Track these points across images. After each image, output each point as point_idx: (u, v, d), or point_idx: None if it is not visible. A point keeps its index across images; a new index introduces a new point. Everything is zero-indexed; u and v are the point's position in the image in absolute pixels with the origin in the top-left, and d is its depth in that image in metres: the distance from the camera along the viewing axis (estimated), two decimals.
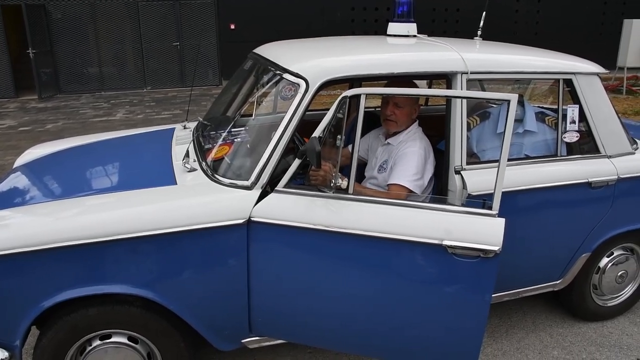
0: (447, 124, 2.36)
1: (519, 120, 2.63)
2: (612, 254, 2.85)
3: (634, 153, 2.69)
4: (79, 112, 8.26)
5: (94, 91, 9.92)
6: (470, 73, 2.33)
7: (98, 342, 2.15)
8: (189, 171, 2.33)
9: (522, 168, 2.47)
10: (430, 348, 2.08)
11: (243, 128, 2.51)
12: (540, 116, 2.65)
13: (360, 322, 2.11)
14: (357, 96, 2.01)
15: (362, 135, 2.19)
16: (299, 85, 2.16)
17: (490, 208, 1.94)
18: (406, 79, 2.45)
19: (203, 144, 2.59)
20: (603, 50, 10.09)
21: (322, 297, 2.12)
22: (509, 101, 1.88)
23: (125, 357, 2.18)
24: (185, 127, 3.16)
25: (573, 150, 2.60)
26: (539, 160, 2.52)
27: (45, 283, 1.98)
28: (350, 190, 2.05)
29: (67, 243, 1.92)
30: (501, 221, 1.91)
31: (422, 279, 1.98)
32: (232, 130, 2.64)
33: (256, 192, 2.12)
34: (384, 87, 2.53)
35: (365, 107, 2.02)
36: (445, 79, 2.37)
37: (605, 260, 2.84)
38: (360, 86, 3.14)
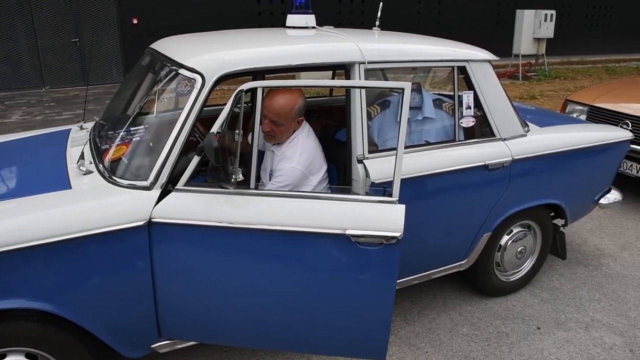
0: (347, 114, 2.38)
1: (417, 108, 2.71)
2: (512, 231, 3.02)
3: (525, 135, 2.85)
4: None
5: None
6: (368, 63, 2.37)
7: None
8: (84, 174, 2.18)
9: (422, 154, 2.54)
10: (341, 336, 2.10)
11: (141, 126, 2.39)
12: (438, 103, 2.74)
13: (271, 317, 2.09)
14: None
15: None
16: (195, 80, 2.09)
17: (390, 195, 1.97)
18: (304, 71, 2.43)
19: (100, 145, 2.45)
20: (500, 39, 10.74)
21: (231, 295, 2.07)
22: (403, 89, 1.92)
23: None
24: (82, 128, 2.96)
25: (470, 134, 2.72)
26: (439, 146, 2.61)
27: None
28: (252, 184, 2.01)
29: None
30: (401, 207, 1.96)
31: (329, 269, 1.98)
32: (130, 129, 2.50)
33: (156, 192, 2.02)
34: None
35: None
36: (344, 69, 2.39)
37: (505, 238, 3.01)
38: (263, 79, 3.10)
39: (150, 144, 2.25)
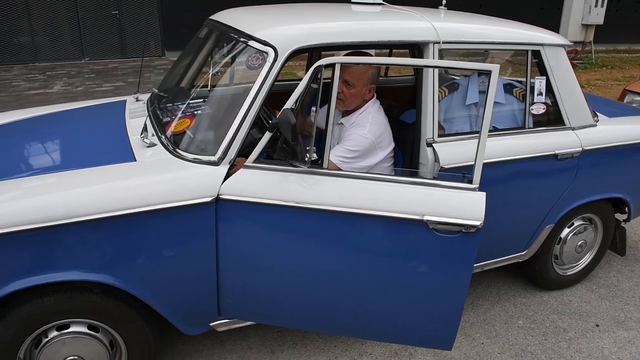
0: (418, 96, 2.29)
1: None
2: (573, 224, 2.92)
3: (595, 125, 2.73)
4: (11, 85, 7.65)
5: (27, 62, 9.21)
6: (443, 43, 2.27)
7: (55, 333, 1.97)
8: (148, 146, 2.15)
9: (491, 140, 2.43)
10: (409, 324, 2.04)
11: (205, 99, 2.35)
12: (509, 88, 2.63)
13: (338, 301, 2.04)
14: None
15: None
16: (267, 54, 2.02)
17: (470, 182, 1.89)
18: (376, 48, 2.35)
19: (161, 117, 2.41)
20: (545, 24, 10.35)
21: (297, 277, 2.02)
22: (490, 71, 1.83)
23: (85, 346, 2.02)
24: (137, 100, 2.94)
25: (539, 122, 2.61)
26: (508, 133, 2.51)
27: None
28: (325, 164, 1.95)
29: (14, 228, 1.72)
30: (482, 195, 1.88)
31: (402, 255, 1.92)
32: (193, 102, 2.47)
33: (224, 168, 1.98)
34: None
35: (324, 78, 1.91)
36: (417, 48, 2.29)
37: (566, 230, 2.90)
38: (320, 56, 3.02)
39: (218, 118, 2.21)
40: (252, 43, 2.10)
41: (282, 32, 2.07)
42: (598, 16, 9.33)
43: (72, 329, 1.99)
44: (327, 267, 1.98)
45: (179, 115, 2.34)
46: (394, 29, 2.24)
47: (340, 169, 2.18)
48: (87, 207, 1.80)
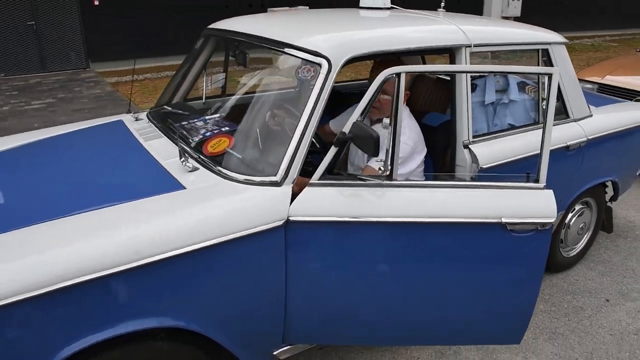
0: (452, 99, 2.33)
1: (503, 91, 2.70)
2: (574, 209, 3.10)
3: (592, 116, 2.92)
4: None
5: None
6: (474, 46, 2.32)
7: None
8: (190, 171, 2.01)
9: (511, 140, 2.52)
10: (484, 326, 2.07)
11: (242, 115, 2.23)
12: (522, 86, 2.74)
13: (414, 313, 2.02)
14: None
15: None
16: (320, 65, 1.95)
17: (537, 181, 1.95)
18: (416, 54, 2.35)
19: (188, 137, 2.25)
20: None
21: (371, 292, 1.98)
22: (551, 74, 1.90)
23: None
24: (137, 119, 2.72)
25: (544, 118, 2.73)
26: (528, 129, 2.61)
27: (54, 333, 1.57)
28: (395, 175, 1.93)
29: (72, 282, 1.52)
30: (550, 192, 1.94)
31: (480, 258, 1.94)
32: (223, 118, 2.36)
33: (287, 188, 1.89)
34: (372, 68, 2.43)
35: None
36: (449, 53, 2.32)
37: (569, 215, 3.08)
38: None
39: (267, 134, 2.10)
40: (300, 54, 2.02)
41: (332, 42, 2.01)
42: (515, 9, 9.96)
43: None
44: (404, 280, 1.96)
45: (213, 133, 2.21)
46: (433, 35, 2.26)
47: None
48: (144, 250, 1.63)
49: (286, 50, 2.08)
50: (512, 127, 2.63)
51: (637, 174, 3.45)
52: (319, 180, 1.91)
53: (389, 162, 1.88)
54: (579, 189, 2.91)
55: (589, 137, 2.79)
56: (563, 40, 2.74)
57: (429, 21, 2.40)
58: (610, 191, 3.29)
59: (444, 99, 2.91)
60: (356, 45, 2.01)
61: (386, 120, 1.84)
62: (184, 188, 1.90)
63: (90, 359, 1.66)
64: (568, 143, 2.68)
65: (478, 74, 2.65)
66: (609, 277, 3.19)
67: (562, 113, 2.77)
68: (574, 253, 3.26)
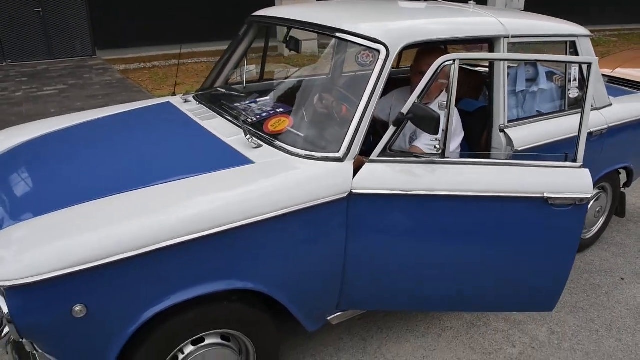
0: (490, 86, 2.49)
1: (533, 80, 2.87)
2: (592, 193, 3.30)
3: (611, 105, 3.10)
4: None
5: None
6: (511, 37, 2.48)
7: (191, 348, 1.94)
8: (255, 147, 2.15)
9: (543, 124, 2.70)
10: (522, 293, 2.26)
11: (301, 96, 2.38)
12: (550, 75, 2.91)
13: (460, 281, 2.20)
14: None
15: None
16: (378, 51, 2.11)
17: (575, 161, 2.13)
18: (461, 44, 2.51)
19: (247, 117, 2.39)
20: None
21: (422, 261, 2.15)
22: (590, 63, 2.07)
23: (221, 356, 2.01)
24: (186, 101, 2.85)
25: (573, 104, 2.92)
26: (553, 116, 2.78)
27: (140, 294, 1.72)
28: (447, 153, 2.09)
29: (167, 243, 1.67)
30: (587, 171, 2.12)
31: (523, 231, 2.12)
32: (274, 100, 2.50)
33: (349, 164, 2.05)
34: (417, 55, 2.58)
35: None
36: (488, 43, 2.48)
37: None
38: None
39: (327, 114, 2.25)
40: (359, 40, 2.17)
41: (389, 29, 2.17)
42: (519, 2, 10.18)
43: (207, 341, 1.97)
44: (452, 250, 2.13)
45: (270, 114, 2.36)
46: (476, 27, 2.42)
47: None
48: (224, 216, 1.78)
49: (344, 37, 2.23)
50: (540, 113, 2.81)
51: None
52: (377, 157, 2.07)
53: (442, 141, 2.05)
54: (598, 174, 3.10)
55: (610, 125, 2.98)
56: (588, 33, 2.92)
57: (470, 13, 2.56)
58: (623, 177, 3.49)
59: (473, 87, 3.08)
60: (411, 33, 2.16)
61: (443, 102, 2.00)
62: (253, 162, 2.05)
63: (169, 320, 1.82)
64: (591, 130, 2.86)
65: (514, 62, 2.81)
66: (622, 258, 3.39)
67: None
68: (590, 235, 3.46)
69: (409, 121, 1.99)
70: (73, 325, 1.63)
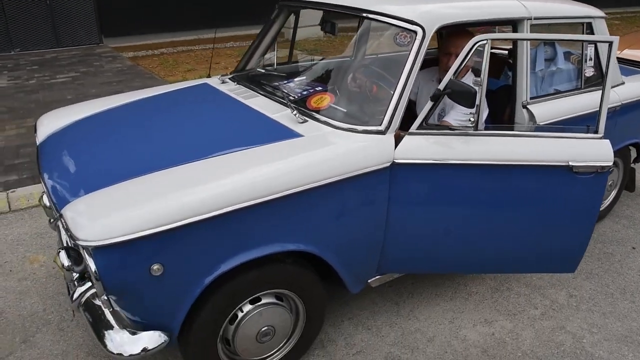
0: (514, 65, 2.65)
1: (551, 60, 3.03)
2: None
3: (624, 83, 3.27)
4: None
5: None
6: (534, 19, 2.64)
7: (250, 307, 2.12)
8: (301, 122, 2.30)
9: (562, 101, 2.87)
10: (547, 255, 2.44)
11: (329, 75, 2.54)
12: (567, 55, 3.08)
13: (492, 244, 2.38)
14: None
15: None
16: (415, 32, 2.26)
17: (596, 132, 2.30)
18: (488, 25, 2.67)
19: (288, 94, 2.53)
20: None
21: (459, 227, 2.33)
22: (612, 42, 2.23)
23: (276, 315, 2.19)
24: (223, 82, 2.99)
25: (588, 82, 3.09)
26: (572, 93, 2.95)
27: (208, 255, 1.88)
28: (480, 125, 2.26)
29: (236, 207, 1.84)
30: (608, 142, 2.29)
31: (550, 197, 2.29)
32: (317, 79, 2.66)
33: (391, 136, 2.21)
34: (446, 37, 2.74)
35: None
36: (512, 25, 2.64)
37: None
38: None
39: (368, 92, 2.41)
40: (396, 22, 2.32)
41: (425, 12, 2.31)
42: None
43: (264, 300, 2.15)
44: (485, 215, 2.31)
45: (310, 92, 2.51)
46: (501, 9, 2.57)
47: None
48: (285, 182, 1.94)
49: (382, 19, 2.38)
50: (558, 91, 2.97)
51: None
52: (416, 130, 2.23)
53: (475, 114, 2.21)
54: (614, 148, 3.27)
55: (623, 102, 3.16)
56: (603, 15, 3.08)
57: None
58: (634, 154, 3.67)
59: (495, 68, 3.24)
60: (445, 15, 2.32)
61: (477, 79, 2.16)
62: (302, 136, 2.21)
63: (232, 280, 2.00)
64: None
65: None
66: (633, 230, 3.58)
67: (601, 79, 3.11)
68: (603, 208, 3.65)
69: (447, 96, 2.15)
70: (151, 283, 1.80)
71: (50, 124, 2.65)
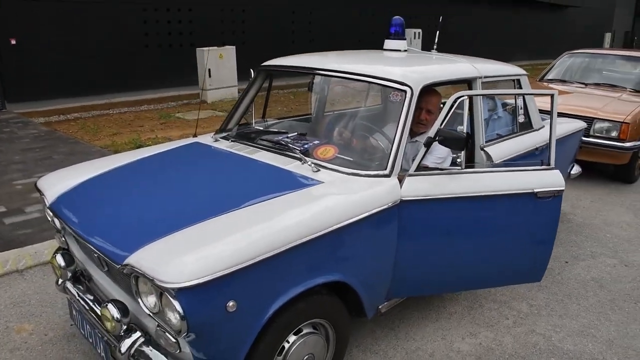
0: (471, 116, 3.20)
1: (493, 110, 3.67)
2: None
3: (544, 127, 4.01)
4: None
5: None
6: (484, 77, 3.24)
7: (294, 337, 2.33)
8: (315, 171, 2.62)
9: (506, 143, 3.49)
10: (516, 269, 2.94)
11: (342, 129, 2.92)
12: (504, 106, 3.74)
13: (476, 266, 2.82)
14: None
15: None
16: (405, 92, 2.72)
17: (549, 165, 2.88)
18: (454, 84, 3.21)
19: (293, 147, 2.83)
20: None
21: (454, 251, 2.75)
22: (553, 94, 2.86)
23: (315, 343, 2.42)
24: (216, 140, 3.23)
25: (520, 127, 3.76)
26: (511, 136, 3.58)
27: (270, 289, 2.10)
28: (463, 166, 2.73)
29: (289, 245, 2.09)
30: (558, 171, 2.88)
31: (519, 219, 2.81)
32: (312, 132, 3.01)
33: (394, 179, 2.61)
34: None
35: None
36: (467, 83, 3.22)
37: None
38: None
39: (368, 143, 2.81)
40: (388, 84, 2.78)
41: (411, 74, 2.80)
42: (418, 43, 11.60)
43: (304, 330, 2.38)
44: (475, 239, 2.76)
45: (315, 144, 2.85)
46: (462, 71, 3.14)
47: None
48: (329, 220, 2.25)
49: (375, 81, 2.83)
50: (500, 135, 3.60)
51: (568, 171, 4.64)
52: (415, 171, 2.65)
53: (463, 157, 2.69)
54: None
55: (544, 144, 3.86)
56: (526, 73, 3.82)
57: (452, 61, 3.30)
58: None
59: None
60: (426, 77, 2.82)
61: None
62: (323, 182, 2.53)
63: (287, 310, 2.21)
64: (537, 146, 3.71)
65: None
66: (562, 248, 4.27)
67: (529, 125, 3.81)
68: None
69: (438, 142, 2.60)
70: (226, 319, 1.97)
71: (56, 184, 2.72)
